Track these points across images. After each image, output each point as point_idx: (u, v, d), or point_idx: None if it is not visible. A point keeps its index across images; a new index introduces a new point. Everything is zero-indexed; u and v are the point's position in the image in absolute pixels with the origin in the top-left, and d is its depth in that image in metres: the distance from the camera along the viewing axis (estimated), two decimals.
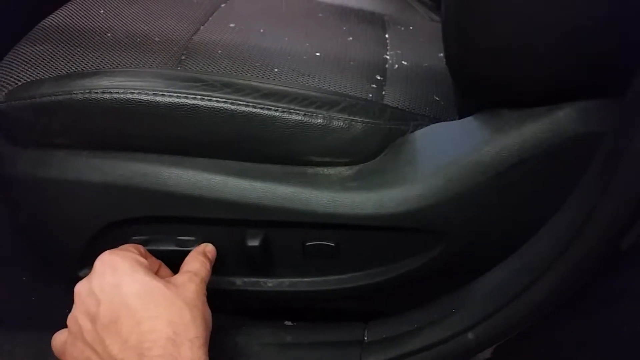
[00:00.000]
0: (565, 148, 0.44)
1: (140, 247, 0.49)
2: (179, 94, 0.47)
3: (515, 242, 0.50)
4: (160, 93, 0.47)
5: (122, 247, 0.48)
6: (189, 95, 0.47)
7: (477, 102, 0.50)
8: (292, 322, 0.60)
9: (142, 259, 0.46)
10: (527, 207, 0.48)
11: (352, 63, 0.64)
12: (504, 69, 0.44)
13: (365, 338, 0.54)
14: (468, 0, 0.42)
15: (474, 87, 0.49)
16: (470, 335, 0.48)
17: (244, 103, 0.48)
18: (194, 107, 0.47)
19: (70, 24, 0.59)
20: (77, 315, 0.42)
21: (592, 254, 0.41)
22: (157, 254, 0.51)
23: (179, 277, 0.46)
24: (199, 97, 0.47)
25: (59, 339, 0.45)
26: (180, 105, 0.47)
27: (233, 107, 0.48)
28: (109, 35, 0.60)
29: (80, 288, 0.44)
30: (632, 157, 0.37)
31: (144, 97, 0.47)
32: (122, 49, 0.58)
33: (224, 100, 0.47)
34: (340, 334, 0.56)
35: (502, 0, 0.40)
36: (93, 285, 0.43)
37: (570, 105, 0.44)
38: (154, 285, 0.42)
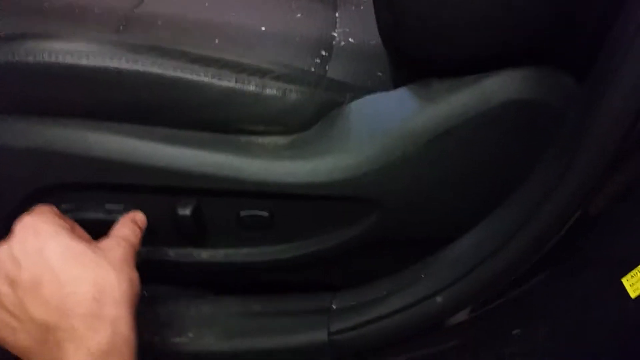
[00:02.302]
0: (495, 116, 0.45)
1: (53, 207, 0.47)
2: (103, 57, 0.46)
3: (452, 210, 0.51)
4: (85, 56, 0.46)
5: (36, 209, 0.47)
6: (113, 58, 0.46)
7: (410, 73, 0.50)
8: None
9: (64, 222, 0.45)
10: (461, 175, 0.49)
11: (297, 39, 0.63)
12: (432, 38, 0.45)
13: (333, 306, 0.54)
14: None
15: (404, 57, 0.49)
16: (438, 299, 0.48)
17: (171, 67, 0.47)
18: (118, 71, 0.46)
19: None
20: None
21: (560, 219, 0.41)
22: (85, 223, 0.49)
23: (106, 241, 0.45)
24: (124, 59, 0.46)
25: None
26: (104, 69, 0.46)
27: (159, 70, 0.47)
28: (45, 4, 0.58)
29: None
30: (595, 132, 0.37)
31: (68, 60, 0.46)
32: (57, 17, 0.57)
33: (149, 63, 0.47)
34: (308, 303, 0.56)
35: None
36: (14, 250, 0.41)
37: (498, 73, 0.44)
38: (79, 247, 0.42)
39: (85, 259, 0.41)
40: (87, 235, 0.48)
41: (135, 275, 0.44)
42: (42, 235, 0.42)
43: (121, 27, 0.57)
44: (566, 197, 0.40)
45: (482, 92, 0.44)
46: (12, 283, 0.40)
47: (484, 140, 0.46)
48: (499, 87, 0.44)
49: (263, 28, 0.64)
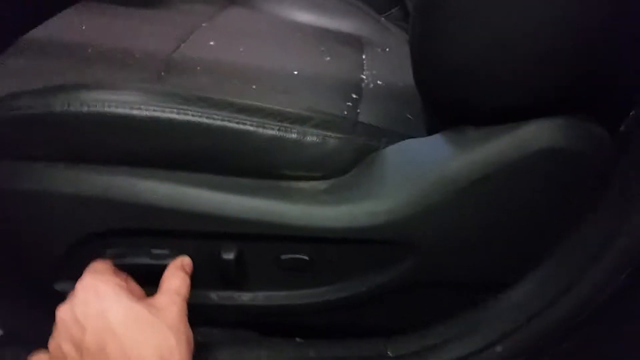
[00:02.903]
0: (530, 164, 0.46)
1: (109, 262, 0.49)
2: (155, 108, 0.48)
3: (488, 254, 0.51)
4: (137, 107, 0.48)
5: (94, 265, 0.48)
6: (165, 109, 0.48)
7: (444, 119, 0.52)
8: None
9: (123, 283, 0.46)
10: (496, 222, 0.50)
11: (328, 82, 0.65)
12: (467, 88, 0.46)
13: (389, 353, 0.55)
14: (432, 21, 0.44)
15: (440, 105, 0.51)
16: (498, 349, 0.49)
17: (219, 117, 0.49)
18: (169, 121, 0.48)
19: (52, 38, 0.60)
20: (61, 342, 0.43)
21: (625, 264, 0.42)
22: (132, 268, 0.51)
23: (161, 298, 0.47)
24: (175, 111, 0.48)
25: None
26: (156, 118, 0.48)
27: (208, 121, 0.49)
28: (89, 50, 0.61)
29: (62, 314, 0.44)
30: None
31: (120, 110, 0.48)
32: (102, 64, 0.59)
33: (199, 114, 0.49)
34: (363, 349, 0.56)
35: (465, 22, 0.42)
36: (77, 312, 0.43)
37: (532, 122, 0.46)
38: (138, 310, 0.43)
39: (145, 322, 0.43)
40: (140, 290, 0.50)
41: (190, 333, 0.45)
42: (103, 297, 0.43)
43: (162, 73, 0.59)
44: (626, 247, 0.40)
45: (517, 140, 0.45)
46: (77, 345, 0.42)
47: (519, 187, 0.47)
48: (533, 135, 0.45)
49: (295, 72, 0.66)
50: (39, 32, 0.60)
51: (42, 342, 0.46)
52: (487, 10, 0.41)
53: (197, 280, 0.52)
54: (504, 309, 0.51)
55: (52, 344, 0.44)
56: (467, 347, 0.50)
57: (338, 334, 0.58)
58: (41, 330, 0.45)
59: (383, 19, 0.95)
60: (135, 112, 0.48)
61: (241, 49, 0.68)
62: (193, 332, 0.45)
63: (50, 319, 0.45)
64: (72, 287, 0.47)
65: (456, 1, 0.42)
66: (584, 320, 0.47)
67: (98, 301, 0.43)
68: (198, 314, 0.47)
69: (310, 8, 0.91)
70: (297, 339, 0.60)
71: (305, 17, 0.89)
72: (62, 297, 0.46)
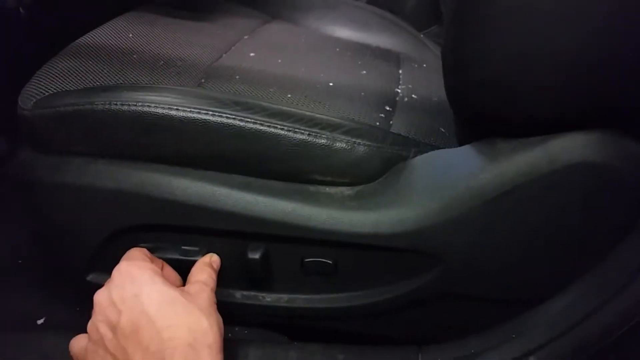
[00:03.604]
0: (559, 177, 0.45)
1: (145, 250, 0.51)
2: (192, 109, 0.50)
3: (518, 269, 0.51)
4: (175, 107, 0.50)
5: (130, 252, 0.50)
6: (202, 111, 0.50)
7: (475, 131, 0.52)
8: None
9: (158, 269, 0.48)
10: (524, 235, 0.49)
11: (363, 94, 0.66)
12: (497, 100, 0.46)
13: None
14: (463, 31, 0.45)
15: (470, 117, 0.51)
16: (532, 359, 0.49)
17: (252, 120, 0.51)
18: (205, 122, 0.50)
19: (100, 43, 0.63)
20: (98, 324, 0.44)
21: None
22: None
23: (191, 287, 0.48)
24: (210, 112, 0.50)
25: (79, 344, 0.47)
26: (192, 119, 0.50)
27: (241, 123, 0.50)
28: (134, 56, 0.64)
29: (100, 298, 0.46)
30: None
31: (159, 110, 0.50)
32: (145, 69, 0.61)
33: (233, 116, 0.50)
34: (394, 356, 0.56)
35: (496, 34, 0.43)
36: (113, 295, 0.45)
37: (562, 135, 0.45)
38: (172, 294, 0.45)
39: (178, 306, 0.44)
40: (175, 275, 0.52)
41: (220, 319, 0.46)
42: (138, 281, 0.45)
43: (202, 80, 0.62)
44: None
45: (547, 153, 0.45)
46: (113, 327, 0.43)
47: (549, 201, 0.47)
48: (563, 149, 0.45)
49: (331, 84, 0.67)
50: (89, 38, 0.64)
51: (80, 329, 0.48)
52: (517, 22, 0.41)
53: (223, 278, 0.53)
54: (539, 323, 0.50)
55: (90, 326, 0.46)
56: (501, 357, 0.50)
57: (367, 341, 0.58)
58: (77, 318, 0.47)
59: (422, 35, 0.96)
60: (172, 112, 0.50)
61: (279, 60, 0.70)
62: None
63: (83, 308, 0.47)
64: (104, 279, 0.49)
65: (487, 12, 0.42)
66: (619, 338, 0.46)
67: (133, 285, 0.45)
68: (222, 312, 0.48)
69: (351, 24, 0.93)
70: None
71: (345, 32, 0.91)
72: (94, 288, 0.47)
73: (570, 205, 0.47)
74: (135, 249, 0.51)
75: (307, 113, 0.54)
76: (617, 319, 0.45)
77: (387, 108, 0.64)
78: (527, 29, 0.41)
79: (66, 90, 0.55)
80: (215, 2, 0.78)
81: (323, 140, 0.52)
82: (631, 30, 0.39)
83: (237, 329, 0.60)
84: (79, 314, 0.47)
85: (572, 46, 0.40)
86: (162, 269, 0.51)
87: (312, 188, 0.54)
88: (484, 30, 0.43)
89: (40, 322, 0.65)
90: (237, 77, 0.63)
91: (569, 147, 0.45)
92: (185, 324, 0.43)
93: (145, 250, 0.51)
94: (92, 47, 0.62)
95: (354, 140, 0.52)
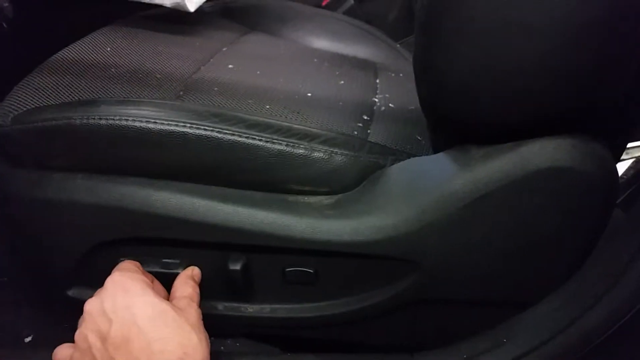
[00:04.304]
0: (531, 182, 0.46)
1: (137, 263, 0.51)
2: (169, 122, 0.50)
3: (495, 272, 0.52)
4: (153, 120, 0.50)
5: (122, 264, 0.51)
6: (179, 123, 0.51)
7: (449, 138, 0.53)
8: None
9: (149, 282, 0.48)
10: (500, 238, 0.50)
11: (341, 104, 0.67)
12: (466, 108, 0.47)
13: None
14: (433, 37, 0.46)
15: (443, 125, 0.52)
16: None
17: (230, 132, 0.51)
18: (183, 135, 0.50)
19: (78, 58, 0.63)
20: (87, 333, 0.44)
21: None
22: None
23: (179, 302, 0.48)
24: (188, 125, 0.51)
25: (63, 352, 0.47)
26: (170, 132, 0.50)
27: (220, 135, 0.51)
28: (112, 70, 0.64)
29: (90, 307, 0.45)
30: None
31: (137, 124, 0.50)
32: (124, 82, 0.62)
33: (211, 129, 0.51)
34: None
35: (461, 44, 0.43)
36: (105, 305, 0.45)
37: (534, 141, 0.46)
38: (164, 307, 0.45)
39: (169, 319, 0.44)
40: (164, 291, 0.52)
41: (207, 335, 0.47)
42: (131, 292, 0.45)
43: (181, 93, 0.62)
44: None
45: (518, 158, 0.46)
46: (103, 337, 0.43)
47: (522, 205, 0.48)
48: (534, 154, 0.46)
49: (309, 94, 0.68)
50: (67, 53, 0.64)
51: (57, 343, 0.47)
52: (481, 32, 0.42)
53: (205, 290, 0.53)
54: (528, 326, 0.51)
55: (78, 335, 0.45)
56: None
57: (355, 349, 0.58)
58: (65, 333, 0.47)
59: (399, 45, 0.97)
60: (151, 125, 0.50)
61: (258, 72, 0.71)
62: None
63: (64, 323, 0.47)
64: (85, 294, 0.49)
65: (456, 17, 0.43)
66: (609, 337, 0.47)
67: (126, 296, 0.45)
68: (205, 324, 0.48)
69: (328, 35, 0.94)
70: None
71: (322, 43, 0.92)
72: (75, 303, 0.47)
73: (543, 209, 0.48)
74: (127, 261, 0.51)
75: (285, 124, 0.55)
76: (600, 322, 0.46)
77: (365, 117, 0.65)
78: (491, 39, 0.42)
79: (44, 105, 0.55)
80: (194, 15, 0.78)
81: (301, 151, 0.52)
82: (593, 39, 0.40)
83: (229, 341, 0.60)
84: (68, 330, 0.47)
85: (536, 55, 0.41)
86: (152, 282, 0.51)
87: (291, 198, 0.54)
88: (451, 40, 0.44)
89: (28, 339, 0.64)
90: (216, 89, 0.64)
91: (539, 152, 0.46)
92: (176, 338, 0.43)
93: (137, 263, 0.51)
94: (70, 62, 0.62)
95: (331, 149, 0.53)
